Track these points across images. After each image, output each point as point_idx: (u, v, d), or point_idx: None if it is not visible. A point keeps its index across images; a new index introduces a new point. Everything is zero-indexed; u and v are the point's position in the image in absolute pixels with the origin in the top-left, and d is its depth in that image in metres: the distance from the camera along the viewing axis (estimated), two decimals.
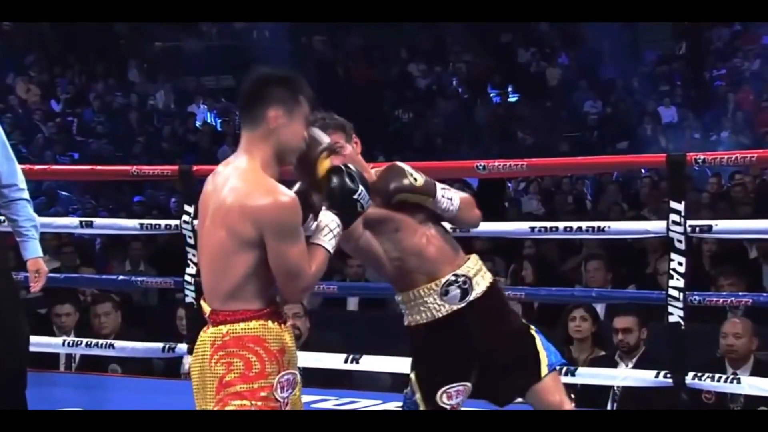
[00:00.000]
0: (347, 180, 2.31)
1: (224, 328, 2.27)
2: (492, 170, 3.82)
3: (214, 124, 13.41)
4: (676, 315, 3.51)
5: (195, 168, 4.37)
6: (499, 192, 8.86)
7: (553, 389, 2.57)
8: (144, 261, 6.60)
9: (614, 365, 4.10)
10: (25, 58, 13.29)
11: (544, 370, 2.55)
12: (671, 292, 3.51)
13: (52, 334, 4.69)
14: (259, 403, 2.23)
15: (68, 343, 4.43)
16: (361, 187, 2.32)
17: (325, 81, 13.54)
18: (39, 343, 4.38)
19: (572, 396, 4.11)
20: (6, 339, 3.02)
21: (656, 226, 3.72)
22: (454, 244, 2.59)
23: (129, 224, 4.72)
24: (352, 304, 5.50)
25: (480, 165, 3.82)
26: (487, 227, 4.14)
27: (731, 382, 3.56)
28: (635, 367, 4.04)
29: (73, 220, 5.05)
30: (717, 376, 3.56)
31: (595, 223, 3.76)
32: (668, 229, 3.51)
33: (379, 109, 13.41)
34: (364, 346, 3.95)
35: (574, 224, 3.79)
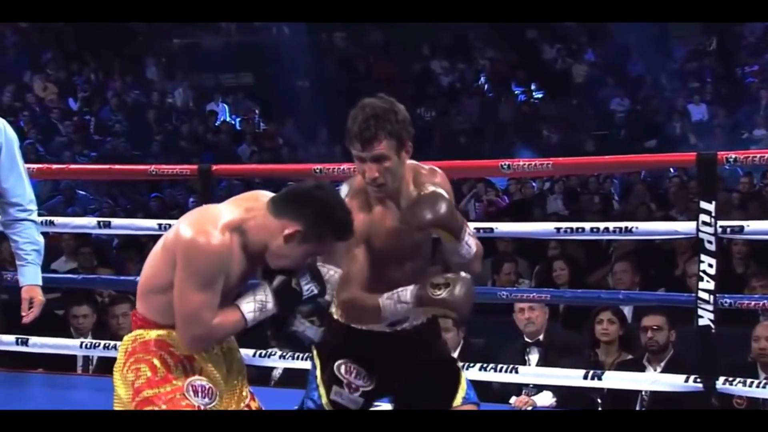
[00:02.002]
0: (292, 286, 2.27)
1: (133, 334, 2.33)
2: (517, 169, 3.82)
3: (233, 122, 13.46)
4: (706, 318, 3.49)
5: (214, 167, 4.39)
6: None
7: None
8: None
9: (642, 369, 4.08)
10: (41, 56, 13.39)
11: (458, 400, 2.58)
12: (701, 294, 3.49)
13: (70, 336, 4.72)
14: (165, 407, 2.24)
15: (86, 345, 4.46)
16: (308, 278, 2.28)
17: (346, 77, 13.56)
18: (56, 344, 4.42)
19: (598, 400, 4.12)
20: None
21: (686, 226, 3.70)
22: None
23: (147, 224, 4.74)
24: None
25: (504, 164, 3.82)
26: (511, 228, 4.15)
27: (764, 387, 3.53)
28: (664, 371, 4.02)
29: (91, 220, 5.09)
30: (749, 380, 3.53)
31: (623, 224, 3.74)
32: (698, 230, 3.48)
33: None
34: None
35: (601, 225, 3.77)
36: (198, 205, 4.34)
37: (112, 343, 4.37)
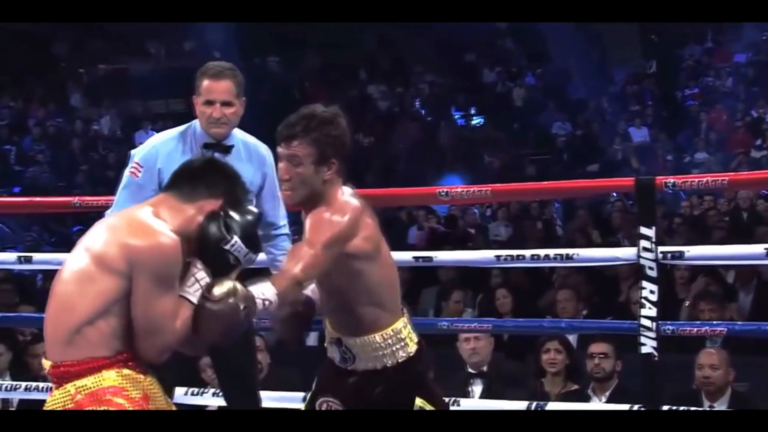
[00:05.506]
0: (220, 229, 2.25)
1: (71, 387, 2.14)
2: (455, 197, 3.84)
3: None
4: (648, 345, 3.52)
5: None
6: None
7: None
8: None
9: (587, 399, 4.12)
10: None
11: None
12: (643, 321, 3.50)
13: None
14: None
15: (6, 387, 4.36)
16: (235, 239, 2.25)
17: (281, 103, 13.55)
18: None
19: None
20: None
21: (626, 252, 3.73)
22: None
23: None
24: (312, 339, 5.49)
25: (443, 191, 3.84)
26: (451, 256, 4.17)
27: None
28: (608, 401, 4.06)
29: (11, 256, 4.97)
30: (693, 409, 3.58)
31: (563, 251, 3.77)
32: (639, 256, 3.52)
33: None
34: None
35: (542, 252, 3.80)
36: None
37: (34, 384, 4.29)
